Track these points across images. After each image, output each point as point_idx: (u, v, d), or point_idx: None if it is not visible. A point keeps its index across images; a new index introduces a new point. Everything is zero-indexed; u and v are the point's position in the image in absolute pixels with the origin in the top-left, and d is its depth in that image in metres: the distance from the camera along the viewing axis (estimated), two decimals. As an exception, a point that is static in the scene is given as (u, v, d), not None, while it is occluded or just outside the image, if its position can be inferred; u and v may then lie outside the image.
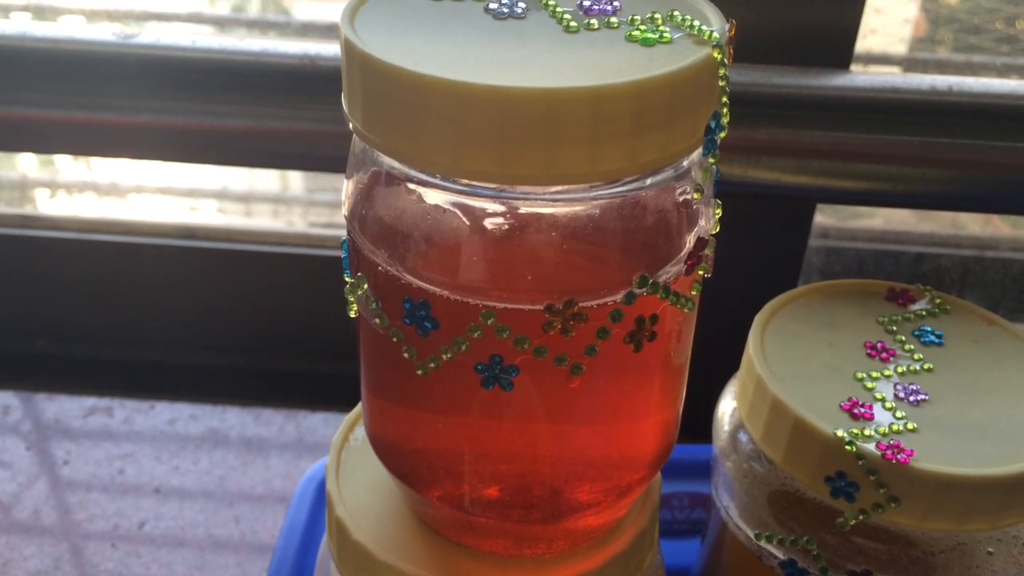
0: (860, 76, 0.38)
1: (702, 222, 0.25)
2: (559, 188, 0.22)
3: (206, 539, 0.47)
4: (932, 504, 0.29)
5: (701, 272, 0.25)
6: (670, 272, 0.24)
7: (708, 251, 0.25)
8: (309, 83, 0.38)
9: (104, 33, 0.39)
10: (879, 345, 0.34)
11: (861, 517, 0.30)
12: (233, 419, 0.54)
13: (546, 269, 0.23)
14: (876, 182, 0.38)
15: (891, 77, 0.38)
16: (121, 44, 0.38)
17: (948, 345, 0.34)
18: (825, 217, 0.56)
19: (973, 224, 0.57)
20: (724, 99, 0.23)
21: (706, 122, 0.22)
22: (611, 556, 0.29)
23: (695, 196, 0.24)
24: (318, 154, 0.39)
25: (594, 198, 0.22)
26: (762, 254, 0.46)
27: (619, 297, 0.23)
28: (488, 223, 0.23)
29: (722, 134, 0.23)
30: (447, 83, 0.20)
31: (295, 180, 0.69)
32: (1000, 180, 0.38)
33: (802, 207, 0.46)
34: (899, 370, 0.33)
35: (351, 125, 0.23)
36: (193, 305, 0.57)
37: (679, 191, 0.24)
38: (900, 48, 0.57)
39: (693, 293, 0.25)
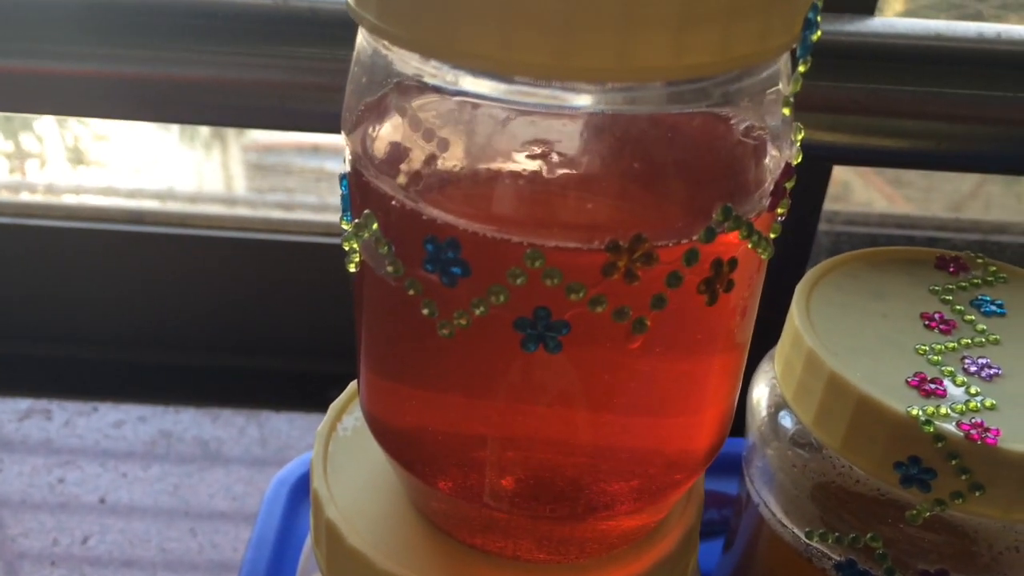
0: (900, 21, 0.34)
1: (784, 148, 0.20)
2: (632, 87, 0.17)
3: (159, 555, 0.42)
4: (1021, 491, 0.26)
5: (780, 211, 0.21)
6: (752, 206, 0.20)
7: (789, 184, 0.20)
8: (280, 27, 0.34)
9: (42, -30, 0.34)
10: (937, 316, 0.30)
11: (937, 509, 0.26)
12: (187, 421, 0.50)
13: (609, 198, 0.19)
14: (918, 140, 0.35)
15: (933, 23, 0.34)
16: (63, -20, 0.33)
17: (1010, 315, 0.31)
18: (832, 203, 0.53)
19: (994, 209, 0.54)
20: (821, -11, 0.19)
21: (804, 13, 0.18)
22: (655, 561, 0.25)
23: (785, 112, 0.19)
24: (289, 108, 0.35)
25: (672, 101, 0.18)
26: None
27: (695, 234, 0.19)
28: (539, 136, 0.18)
29: (816, 34, 0.19)
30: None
31: (239, 181, 0.65)
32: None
33: (817, 175, 0.42)
34: (963, 342, 0.29)
35: (361, 23, 0.19)
36: (140, 296, 0.52)
37: (763, 109, 0.19)
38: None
39: (772, 236, 0.21)
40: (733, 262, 0.20)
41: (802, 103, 0.34)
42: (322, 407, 0.29)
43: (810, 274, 0.32)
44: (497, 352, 0.20)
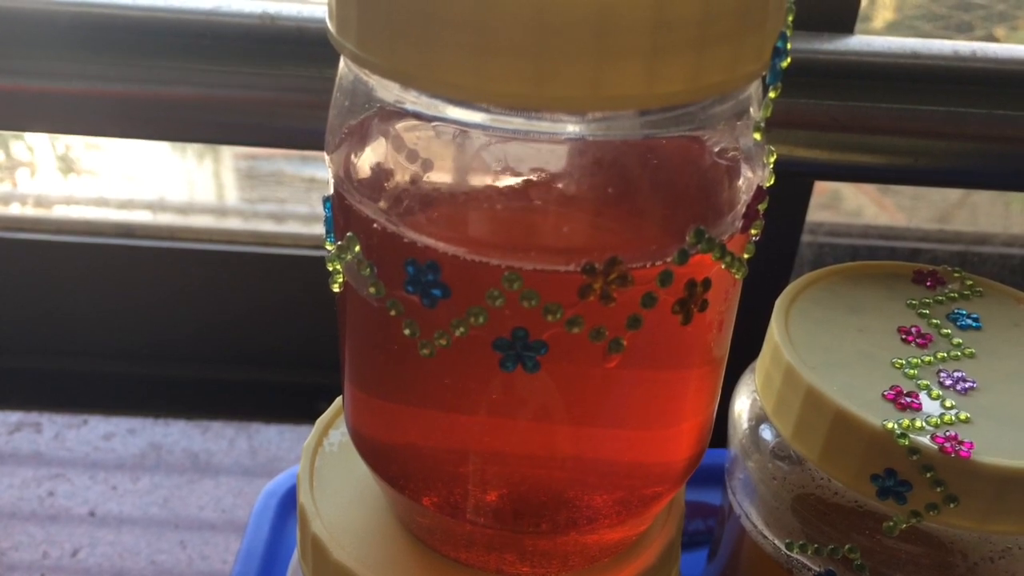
0: (877, 39, 0.35)
1: (756, 171, 0.21)
2: (606, 116, 0.18)
3: (148, 567, 0.42)
4: (995, 503, 0.26)
5: (754, 232, 0.21)
6: (725, 229, 0.20)
7: (762, 206, 0.21)
8: (268, 46, 0.34)
9: (31, -11, 0.34)
10: (913, 330, 0.31)
11: (913, 520, 0.26)
12: (177, 433, 0.50)
13: (584, 221, 0.19)
14: (896, 156, 0.35)
15: (910, 40, 0.35)
16: (51, 0, 0.34)
17: (986, 329, 0.31)
18: (816, 213, 0.53)
19: (981, 218, 0.55)
20: (790, 17, 0.19)
21: (773, 42, 0.19)
22: (636, 573, 0.25)
23: (756, 136, 0.20)
24: (277, 126, 0.35)
25: (647, 128, 0.18)
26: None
27: (669, 256, 0.19)
28: (516, 163, 0.19)
29: (785, 61, 0.19)
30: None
31: (230, 191, 0.65)
32: (1028, 154, 0.35)
33: (799, 190, 0.43)
34: (939, 356, 0.30)
35: (343, 52, 0.19)
36: (130, 309, 0.52)
37: (735, 131, 0.20)
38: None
39: (745, 256, 0.21)
40: (707, 282, 0.20)
41: (782, 120, 0.35)
42: (312, 419, 0.30)
43: (789, 289, 0.32)
44: (477, 371, 0.20)
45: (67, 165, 0.62)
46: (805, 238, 0.51)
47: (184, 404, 0.51)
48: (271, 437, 0.49)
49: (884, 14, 0.55)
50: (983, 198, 0.57)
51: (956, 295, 0.32)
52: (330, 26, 0.20)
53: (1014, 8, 0.56)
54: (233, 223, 0.60)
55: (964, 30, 0.55)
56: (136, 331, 0.52)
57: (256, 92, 0.35)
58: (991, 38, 0.55)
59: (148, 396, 0.52)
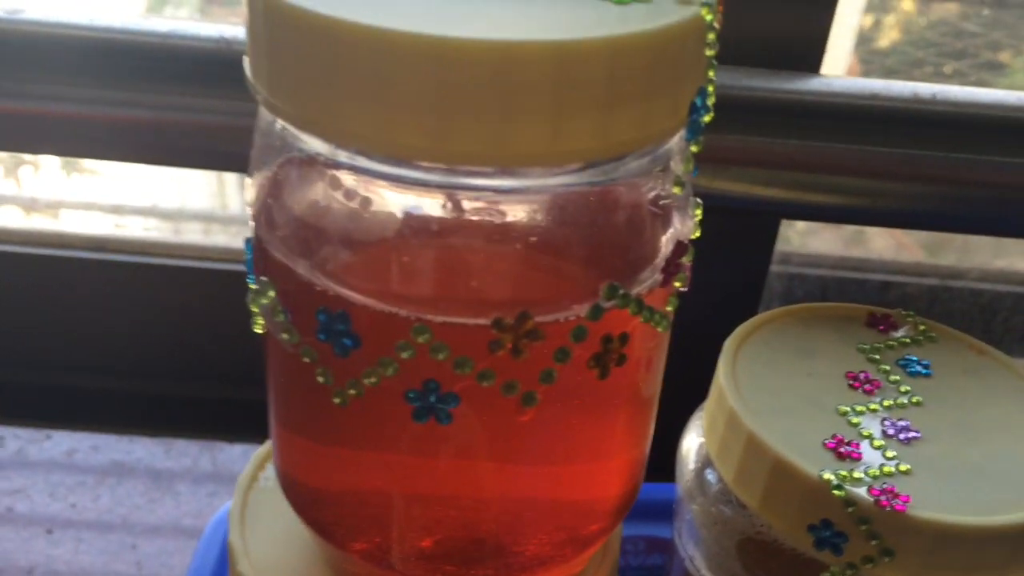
0: (838, 80, 0.34)
1: (680, 224, 0.21)
2: (513, 172, 0.18)
3: (102, 587, 0.42)
4: (931, 557, 0.26)
5: (678, 284, 0.21)
6: (644, 282, 0.20)
7: (686, 259, 0.21)
8: (224, 70, 0.34)
9: (-14, 8, 0.34)
10: (862, 375, 0.30)
11: (850, 572, 0.26)
12: (140, 451, 0.49)
13: (495, 275, 0.19)
14: (854, 197, 0.35)
15: (871, 82, 0.35)
16: (6, 20, 0.33)
17: (936, 376, 0.31)
18: (786, 243, 0.53)
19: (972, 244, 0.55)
20: (711, 73, 0.19)
21: (691, 98, 0.18)
22: (564, 619, 0.25)
23: (675, 190, 0.20)
24: (231, 152, 0.35)
25: (556, 187, 0.18)
26: (722, 276, 0.43)
27: (583, 311, 0.19)
28: (423, 215, 0.18)
29: (707, 116, 0.19)
30: (373, 32, 0.16)
31: (234, 200, 0.65)
32: (987, 198, 0.35)
33: (766, 225, 0.42)
34: (885, 403, 0.29)
35: (257, 96, 0.19)
36: (97, 323, 0.52)
37: (656, 184, 0.20)
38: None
39: (668, 309, 0.21)
40: (624, 337, 0.20)
41: (740, 159, 0.35)
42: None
43: (739, 330, 0.32)
44: (390, 420, 0.20)
45: (70, 163, 0.61)
46: (775, 268, 0.51)
47: (148, 421, 0.51)
48: (235, 456, 0.49)
49: (891, 33, 0.56)
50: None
51: (909, 340, 0.32)
52: (247, 70, 0.19)
53: (1009, 37, 0.56)
54: (213, 239, 0.60)
55: (958, 57, 0.55)
56: (103, 347, 0.52)
57: (211, 117, 0.34)
58: (993, 64, 0.55)
59: (113, 412, 0.51)
